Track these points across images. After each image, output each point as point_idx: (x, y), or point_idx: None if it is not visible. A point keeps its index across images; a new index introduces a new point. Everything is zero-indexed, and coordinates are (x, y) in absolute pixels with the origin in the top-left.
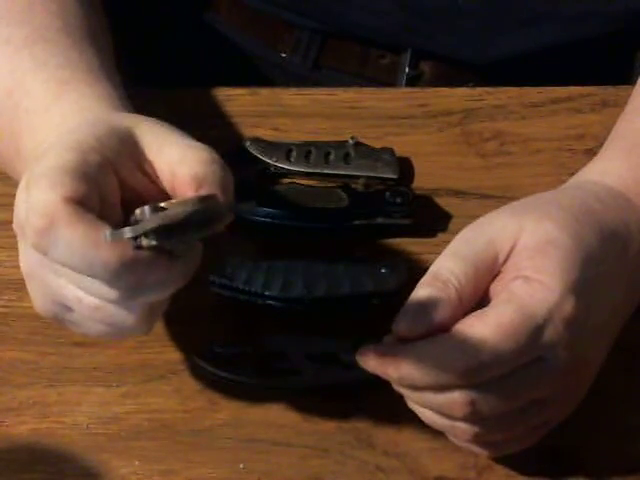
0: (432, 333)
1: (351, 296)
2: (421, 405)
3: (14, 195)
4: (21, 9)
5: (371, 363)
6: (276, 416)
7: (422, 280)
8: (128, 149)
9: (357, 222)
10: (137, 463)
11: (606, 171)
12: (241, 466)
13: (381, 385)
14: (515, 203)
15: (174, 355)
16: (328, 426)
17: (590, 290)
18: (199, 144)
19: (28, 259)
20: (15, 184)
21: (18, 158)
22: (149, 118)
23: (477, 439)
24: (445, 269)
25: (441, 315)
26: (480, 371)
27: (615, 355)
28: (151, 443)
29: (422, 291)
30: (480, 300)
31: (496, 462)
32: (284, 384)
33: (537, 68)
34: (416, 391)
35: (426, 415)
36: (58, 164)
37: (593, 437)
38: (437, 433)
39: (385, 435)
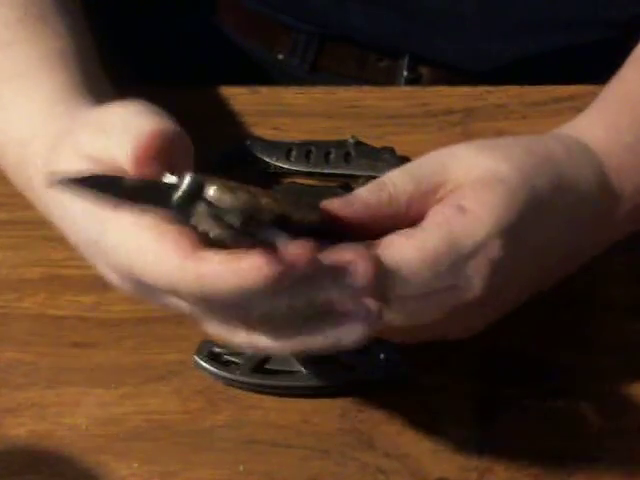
0: (356, 232)
1: None
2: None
3: (14, 195)
4: None
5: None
6: (276, 417)
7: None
8: None
9: None
10: (136, 464)
11: (581, 128)
12: (241, 467)
13: (382, 385)
14: (484, 141)
15: (173, 356)
16: (328, 427)
17: (524, 237)
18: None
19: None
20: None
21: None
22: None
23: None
24: (389, 179)
25: (369, 211)
26: (394, 286)
27: (615, 354)
28: (150, 444)
29: (359, 191)
30: (417, 222)
31: (498, 464)
32: (284, 384)
33: (536, 73)
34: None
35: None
36: None
37: (593, 438)
38: (439, 435)
39: (386, 436)
